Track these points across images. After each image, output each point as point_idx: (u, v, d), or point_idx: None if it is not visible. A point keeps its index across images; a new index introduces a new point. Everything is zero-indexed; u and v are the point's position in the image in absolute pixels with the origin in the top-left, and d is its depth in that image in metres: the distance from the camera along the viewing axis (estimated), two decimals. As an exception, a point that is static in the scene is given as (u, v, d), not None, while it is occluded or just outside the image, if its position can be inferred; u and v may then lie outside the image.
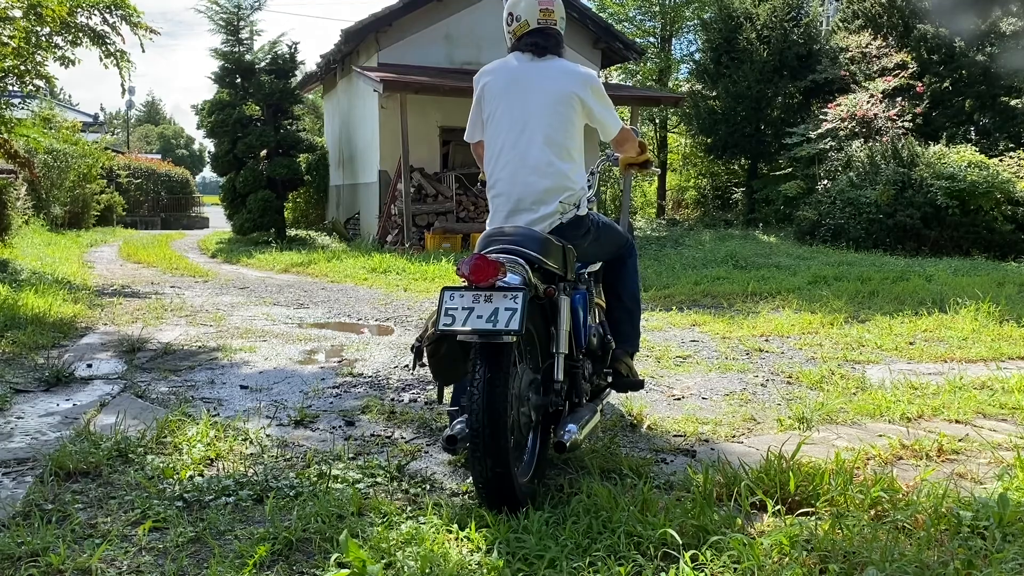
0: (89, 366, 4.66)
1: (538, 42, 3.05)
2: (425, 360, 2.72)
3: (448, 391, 3.00)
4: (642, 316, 3.65)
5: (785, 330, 6.02)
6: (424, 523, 2.39)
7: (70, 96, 63.19)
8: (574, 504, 2.51)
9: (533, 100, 2.97)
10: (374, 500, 2.61)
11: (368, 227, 14.87)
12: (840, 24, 19.91)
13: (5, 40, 7.99)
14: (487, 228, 2.96)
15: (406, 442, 3.33)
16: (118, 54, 8.47)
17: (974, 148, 14.87)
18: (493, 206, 3.05)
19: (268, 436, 3.34)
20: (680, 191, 24.89)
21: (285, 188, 16.29)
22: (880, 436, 3.38)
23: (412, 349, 2.83)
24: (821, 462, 2.82)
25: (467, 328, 2.43)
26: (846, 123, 16.22)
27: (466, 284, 2.49)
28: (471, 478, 2.62)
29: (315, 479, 2.80)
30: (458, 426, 2.50)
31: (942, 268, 9.86)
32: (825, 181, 15.45)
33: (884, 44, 17.95)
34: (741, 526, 2.38)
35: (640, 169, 3.36)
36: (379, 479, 2.84)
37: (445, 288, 2.50)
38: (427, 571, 2.10)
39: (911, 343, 5.55)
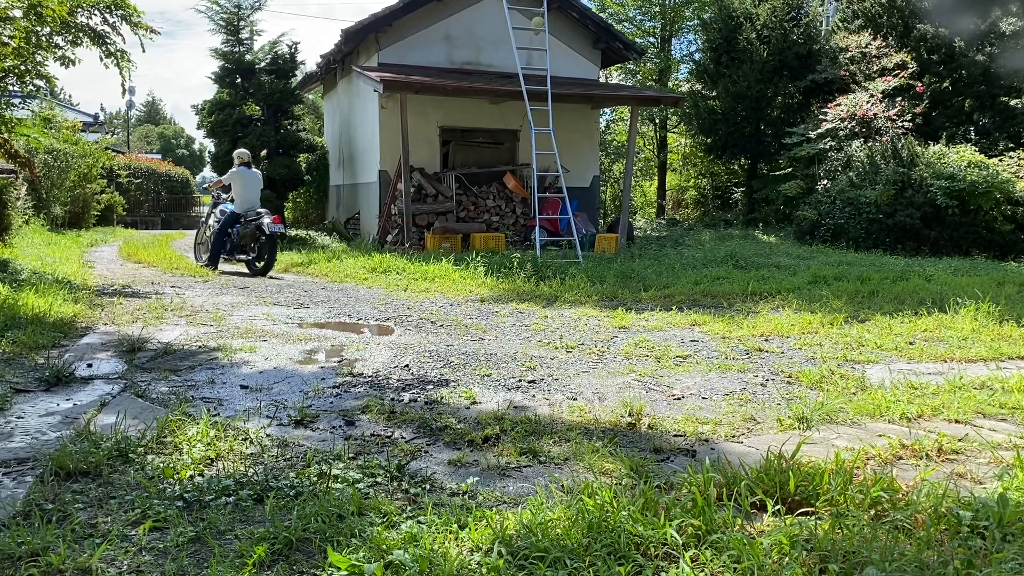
0: (89, 366, 4.65)
1: (251, 164, 10.99)
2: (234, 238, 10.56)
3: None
4: (642, 315, 5.94)
5: (785, 330, 6.02)
6: (424, 523, 2.40)
7: (70, 96, 63.28)
8: (574, 504, 2.52)
9: (255, 184, 10.91)
10: (374, 500, 2.61)
11: (368, 227, 14.88)
12: (840, 24, 19.89)
13: (5, 40, 7.99)
14: (236, 210, 10.64)
15: (406, 442, 3.33)
16: (118, 54, 8.46)
17: (974, 148, 14.87)
18: (239, 203, 10.60)
19: (268, 436, 3.34)
20: (680, 191, 24.92)
21: (285, 188, 16.31)
22: (880, 436, 3.39)
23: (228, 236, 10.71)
24: (821, 462, 2.82)
25: (276, 231, 10.25)
26: (846, 123, 16.23)
27: (271, 220, 10.19)
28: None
29: (315, 479, 2.80)
30: (252, 256, 10.44)
31: (942, 268, 9.87)
32: (825, 181, 15.46)
33: (884, 44, 17.95)
34: (741, 526, 2.38)
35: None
36: (379, 479, 2.84)
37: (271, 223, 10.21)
38: (427, 571, 2.10)
39: (911, 343, 5.55)
